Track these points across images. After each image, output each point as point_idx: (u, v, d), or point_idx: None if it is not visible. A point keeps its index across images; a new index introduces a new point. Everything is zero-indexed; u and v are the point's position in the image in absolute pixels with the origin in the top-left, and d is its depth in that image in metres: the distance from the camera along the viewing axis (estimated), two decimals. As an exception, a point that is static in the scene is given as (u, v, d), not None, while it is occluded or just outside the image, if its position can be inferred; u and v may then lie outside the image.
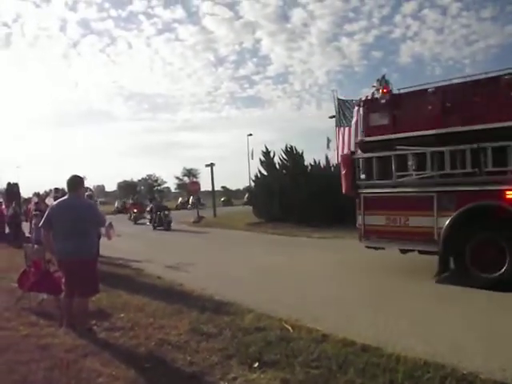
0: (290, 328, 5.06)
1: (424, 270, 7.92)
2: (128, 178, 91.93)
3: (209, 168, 29.32)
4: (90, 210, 5.45)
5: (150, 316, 5.72)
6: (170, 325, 5.31)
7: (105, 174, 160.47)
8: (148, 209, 25.03)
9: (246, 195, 50.10)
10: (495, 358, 4.05)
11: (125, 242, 14.03)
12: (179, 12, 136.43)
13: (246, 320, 5.40)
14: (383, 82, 31.66)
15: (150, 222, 22.92)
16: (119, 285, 7.84)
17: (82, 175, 5.64)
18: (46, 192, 19.69)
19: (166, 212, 21.89)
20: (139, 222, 26.76)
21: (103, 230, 7.94)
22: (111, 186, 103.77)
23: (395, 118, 8.03)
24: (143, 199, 35.45)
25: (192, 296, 7.03)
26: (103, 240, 8.62)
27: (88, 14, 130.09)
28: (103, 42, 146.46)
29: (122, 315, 5.78)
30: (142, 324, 5.38)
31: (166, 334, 4.98)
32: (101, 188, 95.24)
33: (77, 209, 5.20)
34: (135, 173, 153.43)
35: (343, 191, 8.70)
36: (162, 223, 21.32)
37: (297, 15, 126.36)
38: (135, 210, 28.42)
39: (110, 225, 10.62)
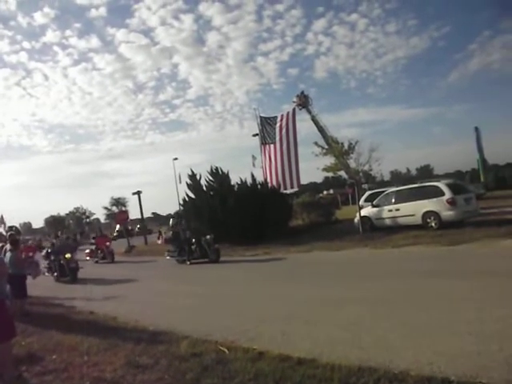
0: (225, 350, 5.13)
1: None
2: (55, 213, 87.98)
3: (136, 196, 28.97)
4: None
5: (84, 354, 5.57)
6: (104, 361, 5.24)
7: (31, 210, 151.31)
8: (43, 253, 18.14)
9: (171, 220, 49.71)
10: (423, 353, 4.35)
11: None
12: (94, 41, 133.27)
13: (182, 347, 5.43)
14: (302, 97, 33.19)
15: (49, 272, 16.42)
16: (51, 325, 7.59)
17: None
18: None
19: (69, 255, 15.26)
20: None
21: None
22: (38, 223, 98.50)
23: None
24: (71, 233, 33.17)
25: (126, 328, 6.94)
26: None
27: (0, 47, 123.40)
28: (18, 75, 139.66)
29: (55, 357, 5.61)
30: (75, 363, 5.25)
31: (101, 370, 4.91)
32: (27, 225, 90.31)
33: None
34: (62, 207, 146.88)
35: None
36: (64, 272, 15.19)
37: (212, 38, 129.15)
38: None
39: (36, 264, 10.31)
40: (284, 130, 24.84)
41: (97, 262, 21.29)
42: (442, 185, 15.47)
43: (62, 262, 15.26)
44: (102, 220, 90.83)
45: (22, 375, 5.01)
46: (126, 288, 12.04)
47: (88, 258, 22.09)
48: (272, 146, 25.52)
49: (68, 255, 15.24)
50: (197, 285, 11.19)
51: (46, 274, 16.11)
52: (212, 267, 14.67)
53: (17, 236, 8.88)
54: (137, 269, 17.30)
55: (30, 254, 17.42)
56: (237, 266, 14.20)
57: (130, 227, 38.74)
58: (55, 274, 15.62)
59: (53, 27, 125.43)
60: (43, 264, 16.22)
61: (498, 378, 3.60)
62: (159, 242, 25.24)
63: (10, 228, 9.37)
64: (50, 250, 17.14)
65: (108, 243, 21.83)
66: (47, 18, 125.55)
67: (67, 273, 15.02)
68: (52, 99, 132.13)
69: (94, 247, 22.21)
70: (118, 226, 39.92)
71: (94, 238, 24.28)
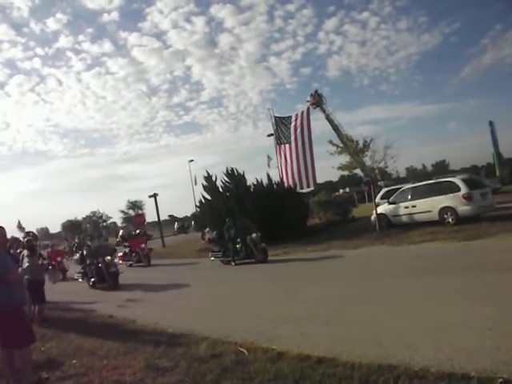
0: (245, 351, 5.11)
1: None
2: (72, 218, 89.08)
3: (152, 199, 29.17)
4: None
5: (104, 358, 5.63)
6: (124, 364, 5.26)
7: (47, 215, 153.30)
8: (76, 256, 17.97)
9: (176, 224, 49.76)
10: (442, 350, 4.30)
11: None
12: (107, 46, 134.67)
13: (201, 349, 5.43)
14: (316, 96, 33.03)
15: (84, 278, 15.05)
16: (70, 329, 7.65)
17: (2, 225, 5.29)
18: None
19: (108, 258, 13.88)
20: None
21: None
22: (55, 228, 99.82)
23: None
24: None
25: (146, 331, 6.95)
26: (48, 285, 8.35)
27: (13, 53, 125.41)
28: (32, 81, 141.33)
29: (74, 361, 5.65)
30: (95, 368, 5.29)
31: (121, 374, 4.94)
32: (44, 230, 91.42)
33: None
34: (79, 211, 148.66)
35: None
36: (104, 278, 13.63)
37: (224, 40, 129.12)
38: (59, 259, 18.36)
39: (54, 269, 10.44)
40: (299, 130, 24.79)
41: (131, 265, 19.97)
42: (457, 180, 15.30)
43: (100, 265, 13.67)
44: (119, 223, 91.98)
45: (42, 380, 5.04)
46: (184, 295, 10.49)
47: (121, 261, 19.65)
48: (287, 145, 25.49)
49: (108, 258, 13.79)
50: (276, 286, 9.78)
51: (80, 280, 15.11)
52: (264, 268, 13.31)
53: (34, 241, 8.96)
54: (179, 272, 15.88)
55: (59, 258, 17.32)
56: (287, 265, 13.03)
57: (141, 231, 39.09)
58: (92, 279, 14.04)
59: (65, 33, 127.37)
60: (76, 269, 15.66)
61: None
62: (203, 242, 23.23)
63: (27, 233, 9.42)
64: (85, 253, 15.71)
65: (143, 245, 20.56)
66: (60, 23, 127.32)
67: (106, 278, 13.49)
68: (66, 104, 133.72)
69: (127, 250, 20.95)
70: (121, 232, 38.93)
71: (126, 239, 23.37)
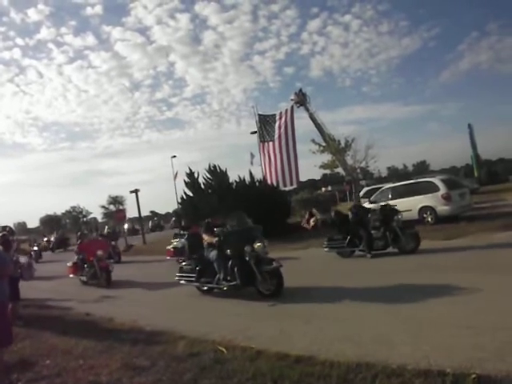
0: (223, 350, 5.05)
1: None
2: (51, 212, 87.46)
3: (134, 194, 28.83)
4: None
5: (79, 357, 5.49)
6: (100, 364, 5.14)
7: (25, 210, 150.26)
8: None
9: (173, 219, 49.38)
10: (420, 348, 4.33)
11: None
12: (90, 39, 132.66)
13: (179, 347, 5.35)
14: (300, 95, 33.09)
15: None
16: (45, 328, 7.48)
17: None
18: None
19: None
20: None
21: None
22: (34, 223, 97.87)
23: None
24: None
25: (123, 330, 6.80)
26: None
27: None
28: (11, 72, 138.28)
29: (48, 361, 5.50)
30: (70, 368, 5.15)
31: (97, 374, 4.81)
32: (22, 225, 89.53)
33: None
34: (58, 206, 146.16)
35: None
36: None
37: (208, 37, 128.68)
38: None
39: (30, 265, 10.13)
40: (283, 128, 24.83)
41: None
42: (437, 180, 15.58)
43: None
44: (100, 219, 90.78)
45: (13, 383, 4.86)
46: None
47: (71, 275, 16.08)
48: (271, 143, 25.51)
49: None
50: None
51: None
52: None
53: (10, 236, 8.71)
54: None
55: (100, 252, 12.78)
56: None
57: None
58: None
59: (47, 24, 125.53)
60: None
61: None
62: (307, 226, 19.15)
63: (4, 228, 9.14)
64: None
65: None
66: (41, 14, 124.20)
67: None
68: (47, 97, 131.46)
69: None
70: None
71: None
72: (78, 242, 14.31)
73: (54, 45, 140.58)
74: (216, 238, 8.32)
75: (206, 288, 8.95)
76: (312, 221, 18.52)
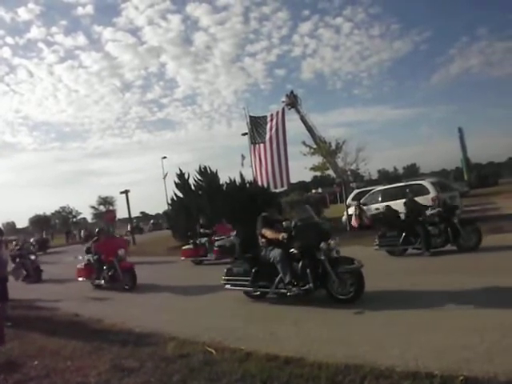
0: (213, 351, 5.05)
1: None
2: (40, 212, 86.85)
3: (124, 195, 28.75)
4: None
5: (68, 358, 5.44)
6: (89, 365, 5.10)
7: (15, 210, 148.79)
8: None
9: (151, 221, 48.68)
10: (409, 350, 4.36)
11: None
12: (81, 39, 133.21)
13: (169, 349, 5.33)
14: (292, 96, 33.05)
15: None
16: (33, 329, 7.39)
17: None
18: None
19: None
20: None
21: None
22: (23, 223, 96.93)
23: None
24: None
25: (112, 331, 6.75)
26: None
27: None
28: (1, 71, 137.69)
29: (36, 362, 5.43)
30: (58, 369, 5.10)
31: (85, 375, 4.77)
32: (11, 225, 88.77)
33: None
34: (48, 206, 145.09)
35: None
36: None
37: (199, 38, 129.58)
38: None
39: (18, 265, 10.07)
40: (274, 130, 24.84)
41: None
42: (426, 183, 15.69)
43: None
44: (89, 220, 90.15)
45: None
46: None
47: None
48: (262, 145, 25.50)
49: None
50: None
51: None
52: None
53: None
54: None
55: (120, 252, 11.13)
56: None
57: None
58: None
59: (38, 23, 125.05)
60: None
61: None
62: (355, 224, 17.77)
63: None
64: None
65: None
66: (32, 14, 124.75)
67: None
68: (37, 96, 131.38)
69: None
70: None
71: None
72: (94, 240, 12.56)
73: (44, 44, 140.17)
74: (283, 234, 6.97)
75: (258, 293, 7.71)
76: (365, 217, 17.09)
